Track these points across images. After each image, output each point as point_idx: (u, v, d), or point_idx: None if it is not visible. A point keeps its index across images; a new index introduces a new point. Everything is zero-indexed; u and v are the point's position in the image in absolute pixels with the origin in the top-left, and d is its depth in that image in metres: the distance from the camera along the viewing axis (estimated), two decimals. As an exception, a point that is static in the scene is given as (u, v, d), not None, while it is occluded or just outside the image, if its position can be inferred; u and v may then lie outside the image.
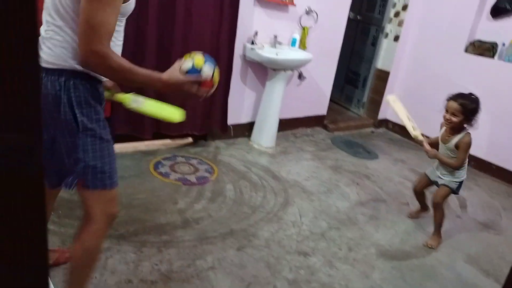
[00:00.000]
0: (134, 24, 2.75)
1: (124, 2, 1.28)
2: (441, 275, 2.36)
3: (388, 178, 3.53)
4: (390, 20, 4.64)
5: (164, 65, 3.05)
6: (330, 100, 4.53)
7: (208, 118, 3.42)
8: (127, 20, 1.42)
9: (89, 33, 1.19)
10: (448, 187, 2.60)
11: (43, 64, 1.28)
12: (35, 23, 0.29)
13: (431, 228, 2.75)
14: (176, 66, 1.40)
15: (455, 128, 2.51)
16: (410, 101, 4.61)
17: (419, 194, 2.86)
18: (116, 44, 1.38)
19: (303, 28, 3.79)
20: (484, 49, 3.98)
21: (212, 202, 2.69)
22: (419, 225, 2.85)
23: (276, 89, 3.57)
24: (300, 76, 4.02)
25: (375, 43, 4.82)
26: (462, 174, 2.61)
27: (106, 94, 1.53)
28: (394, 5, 4.58)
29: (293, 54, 3.62)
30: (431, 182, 2.74)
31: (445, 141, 2.57)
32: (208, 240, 2.30)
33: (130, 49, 2.74)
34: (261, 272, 2.12)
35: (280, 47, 3.63)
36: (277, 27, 3.63)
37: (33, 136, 0.28)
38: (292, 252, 2.33)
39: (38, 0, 0.37)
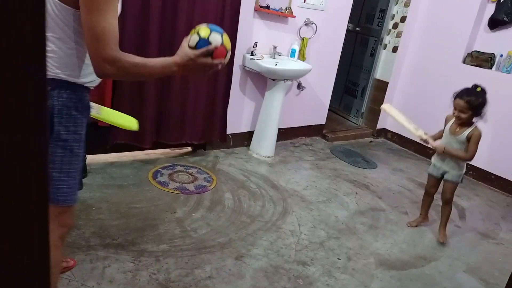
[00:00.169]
0: (136, 38, 2.77)
1: None
2: (440, 285, 2.35)
3: (387, 188, 3.53)
4: (389, 32, 4.68)
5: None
6: (329, 109, 4.55)
7: (207, 127, 3.43)
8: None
9: (96, 43, 1.18)
10: (454, 182, 2.72)
11: None
12: (43, 21, 0.29)
13: (430, 238, 2.74)
14: (184, 44, 1.36)
15: (464, 123, 2.60)
16: (408, 111, 4.62)
17: (430, 197, 2.92)
18: None
19: (303, 39, 3.82)
20: (482, 60, 4.01)
21: (210, 211, 2.69)
22: (418, 235, 2.85)
23: (275, 99, 3.58)
24: (299, 86, 4.04)
25: (373, 54, 4.86)
26: (464, 165, 2.73)
27: None
28: (393, 17, 4.62)
29: (292, 64, 3.64)
30: (439, 180, 2.82)
31: (455, 134, 2.65)
32: (206, 250, 2.29)
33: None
34: (259, 281, 2.11)
35: (279, 57, 3.66)
36: (277, 38, 3.66)
37: (37, 136, 0.28)
38: (290, 261, 2.32)
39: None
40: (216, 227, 2.52)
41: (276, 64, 3.49)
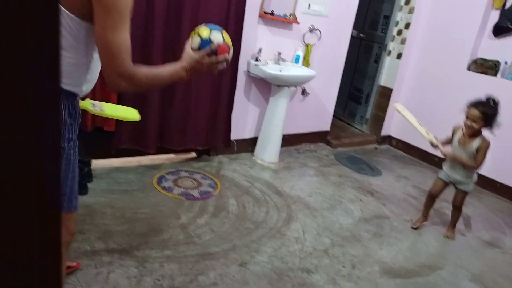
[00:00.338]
0: (140, 45, 2.79)
1: None
2: (445, 294, 2.33)
3: (392, 195, 3.51)
4: (393, 38, 4.68)
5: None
6: (334, 116, 4.55)
7: (211, 133, 3.43)
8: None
9: (111, 60, 1.19)
10: (466, 191, 2.80)
11: None
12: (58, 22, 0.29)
13: (435, 246, 2.72)
14: (187, 48, 1.39)
15: (474, 133, 2.62)
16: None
17: (432, 200, 2.97)
18: (95, 66, 1.36)
19: (307, 45, 3.82)
20: (486, 67, 3.99)
21: (215, 217, 2.68)
22: (423, 243, 2.83)
23: (280, 105, 3.59)
24: (304, 92, 4.04)
25: (378, 61, 4.86)
26: (476, 174, 2.80)
27: None
28: (397, 23, 4.63)
29: (297, 70, 3.65)
30: (446, 184, 2.88)
31: (464, 145, 2.67)
32: (210, 256, 2.28)
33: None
34: (263, 288, 2.10)
35: (283, 63, 3.66)
36: (281, 44, 3.67)
37: (37, 136, 0.28)
38: (295, 269, 2.31)
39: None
40: (220, 233, 2.51)
41: (280, 70, 3.49)
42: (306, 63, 3.86)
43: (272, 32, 3.58)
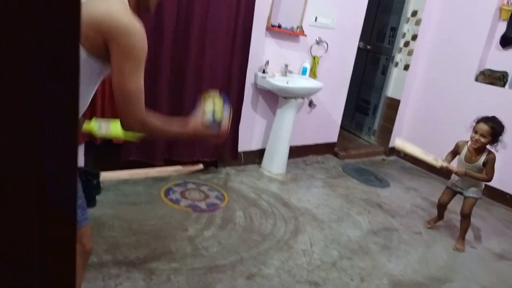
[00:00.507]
0: (149, 56, 2.82)
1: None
2: (456, 307, 2.29)
3: (400, 207, 3.48)
4: (400, 50, 4.69)
5: (178, 90, 3.08)
6: (341, 127, 4.54)
7: (219, 144, 3.44)
8: None
9: (128, 105, 1.23)
10: (475, 198, 2.85)
11: None
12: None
13: (444, 258, 2.68)
14: (197, 117, 1.45)
15: (480, 148, 2.71)
16: (421, 129, 4.60)
17: (444, 207, 3.07)
18: (89, 94, 1.38)
19: (314, 58, 3.84)
20: (494, 78, 3.98)
21: (222, 230, 2.67)
22: (432, 255, 2.79)
23: (287, 116, 3.59)
24: (311, 104, 4.05)
25: (385, 72, 4.86)
26: (483, 183, 2.88)
27: None
28: (404, 35, 4.64)
29: (304, 82, 3.66)
30: (454, 194, 2.98)
31: (471, 161, 2.76)
32: (217, 268, 2.27)
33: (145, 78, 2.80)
34: (270, 301, 2.08)
35: (290, 75, 3.68)
36: (288, 56, 3.69)
37: (37, 136, 0.29)
38: (302, 281, 2.28)
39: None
40: (227, 246, 2.50)
41: (287, 82, 3.51)
42: (313, 75, 3.87)
43: (279, 45, 3.60)
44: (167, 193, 3.02)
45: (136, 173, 3.21)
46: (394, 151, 4.90)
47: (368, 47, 5.10)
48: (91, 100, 1.44)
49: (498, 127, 2.67)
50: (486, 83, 4.02)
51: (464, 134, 2.95)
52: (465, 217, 2.89)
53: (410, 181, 4.17)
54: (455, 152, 2.91)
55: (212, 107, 1.48)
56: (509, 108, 3.84)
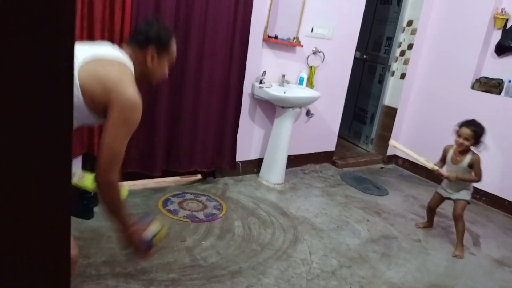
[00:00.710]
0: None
1: None
2: (457, 315, 2.28)
3: (399, 215, 3.48)
4: (396, 59, 4.72)
5: (176, 101, 3.08)
6: (338, 136, 4.55)
7: (217, 155, 3.45)
8: None
9: (112, 162, 1.32)
10: (465, 200, 2.95)
11: None
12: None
13: (444, 266, 2.67)
14: (142, 229, 1.52)
15: (464, 150, 2.88)
16: (418, 137, 4.62)
17: (432, 211, 3.21)
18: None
19: (310, 67, 3.87)
20: (490, 86, 4.01)
21: (220, 240, 2.67)
22: (432, 263, 2.78)
23: (284, 126, 3.60)
24: (308, 113, 4.06)
25: (382, 81, 4.89)
26: (472, 186, 3.00)
27: None
28: (400, 44, 4.67)
29: (301, 92, 3.68)
30: (443, 199, 3.09)
31: (457, 163, 2.92)
32: (216, 279, 2.26)
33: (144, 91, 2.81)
34: (270, 311, 2.07)
35: (288, 85, 3.70)
36: (285, 66, 3.72)
37: (37, 137, 0.29)
38: (302, 290, 2.27)
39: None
40: (226, 256, 2.49)
41: (284, 92, 3.52)
42: (310, 84, 3.89)
43: (276, 55, 3.63)
44: (165, 203, 3.02)
45: (133, 185, 3.20)
46: (392, 159, 4.91)
47: (365, 56, 5.14)
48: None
49: (480, 130, 2.82)
50: (482, 90, 4.05)
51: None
52: (458, 219, 2.95)
53: (408, 189, 4.17)
54: (443, 159, 3.04)
55: (156, 231, 1.56)
56: (505, 115, 3.87)
